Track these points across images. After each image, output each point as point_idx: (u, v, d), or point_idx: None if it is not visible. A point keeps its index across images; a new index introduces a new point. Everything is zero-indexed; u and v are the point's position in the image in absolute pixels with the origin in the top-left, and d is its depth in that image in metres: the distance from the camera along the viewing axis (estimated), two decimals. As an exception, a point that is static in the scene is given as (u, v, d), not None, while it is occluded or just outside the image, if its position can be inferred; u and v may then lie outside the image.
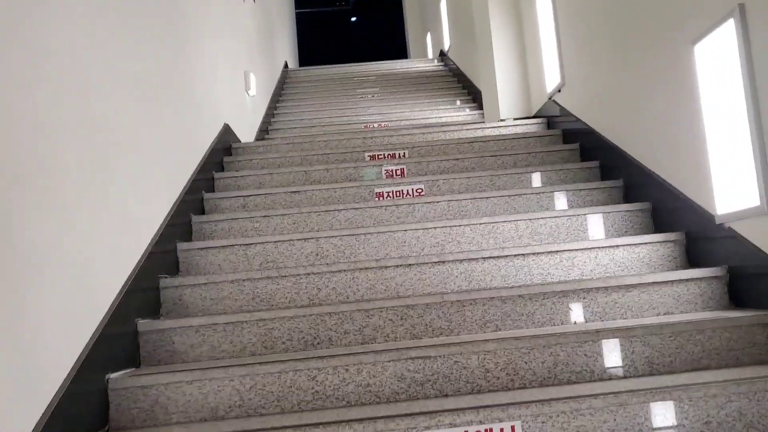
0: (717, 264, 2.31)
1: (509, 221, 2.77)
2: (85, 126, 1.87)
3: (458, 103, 6.56)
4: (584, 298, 2.22)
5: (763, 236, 2.05)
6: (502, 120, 4.49)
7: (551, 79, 3.98)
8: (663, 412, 1.62)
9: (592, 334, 1.91)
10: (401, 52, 12.44)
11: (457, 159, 3.56)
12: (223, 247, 2.71)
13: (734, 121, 2.10)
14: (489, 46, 4.60)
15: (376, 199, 3.25)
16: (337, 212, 2.99)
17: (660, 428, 1.62)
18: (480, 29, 4.83)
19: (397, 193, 3.27)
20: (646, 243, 2.51)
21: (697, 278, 2.27)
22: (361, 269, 2.45)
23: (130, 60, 2.33)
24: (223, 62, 4.08)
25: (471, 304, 2.20)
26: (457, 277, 2.46)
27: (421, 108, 6.46)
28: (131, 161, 2.24)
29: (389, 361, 1.88)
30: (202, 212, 3.20)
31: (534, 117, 4.38)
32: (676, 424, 1.63)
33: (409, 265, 2.46)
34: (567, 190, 3.06)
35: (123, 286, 2.05)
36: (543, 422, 1.60)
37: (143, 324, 2.15)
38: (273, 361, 1.88)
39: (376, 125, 5.96)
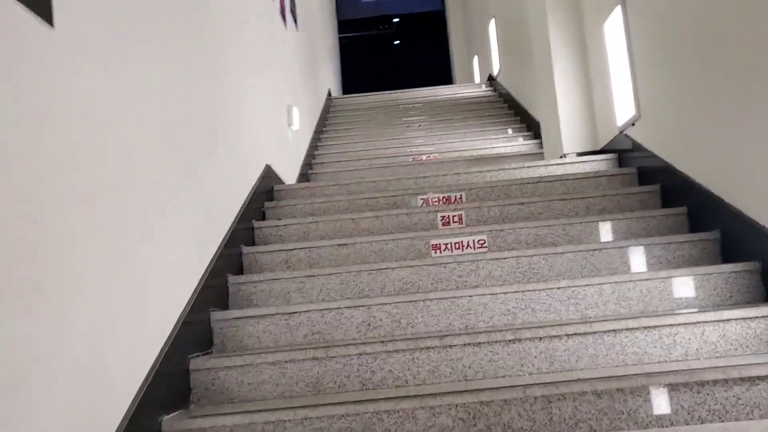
0: None
1: (592, 285, 2.38)
2: (99, 185, 1.57)
3: (510, 131, 6.18)
4: (698, 392, 1.81)
5: None
6: (564, 155, 4.10)
7: (623, 110, 3.58)
8: None
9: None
10: (446, 76, 12.12)
11: (521, 204, 3.18)
12: (262, 316, 2.38)
13: None
14: (550, 75, 4.23)
15: (433, 252, 2.90)
16: (390, 270, 2.65)
17: None
18: (539, 56, 4.47)
19: (456, 245, 2.91)
20: (764, 316, 2.09)
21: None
22: (421, 348, 2.09)
23: (155, 104, 2.04)
24: (264, 99, 3.80)
25: (559, 399, 1.81)
26: (536, 357, 2.08)
27: (471, 137, 6.10)
28: (157, 223, 1.94)
29: (464, 485, 1.51)
30: (241, 270, 2.89)
31: (601, 152, 3.98)
32: None
33: (479, 343, 2.09)
34: (654, 244, 2.66)
35: (144, 382, 1.73)
36: None
37: (169, 422, 1.83)
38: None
39: (425, 157, 5.62)
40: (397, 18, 12.77)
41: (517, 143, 5.72)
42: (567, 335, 2.08)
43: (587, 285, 2.37)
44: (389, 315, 2.37)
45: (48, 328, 1.30)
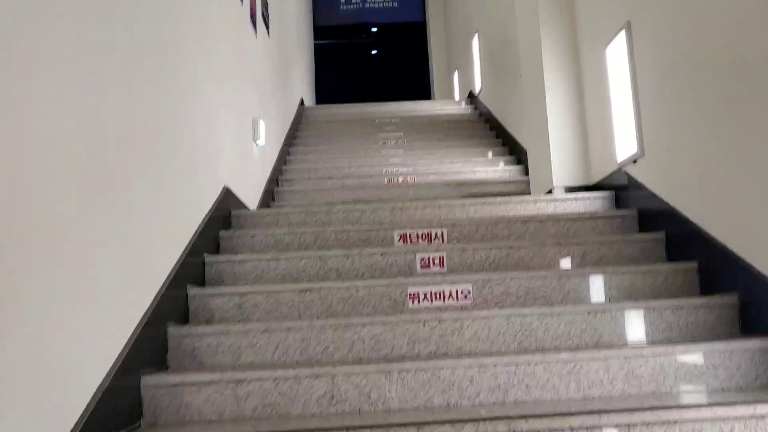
0: None
1: (597, 359, 2.02)
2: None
3: (490, 155, 5.85)
4: None
5: None
6: (554, 188, 3.76)
7: (624, 146, 3.25)
8: None
9: None
10: (424, 90, 11.79)
11: (510, 247, 2.83)
12: (205, 383, 1.98)
13: None
14: (540, 100, 3.90)
15: (411, 302, 2.52)
16: (361, 327, 2.26)
17: None
18: (529, 78, 4.14)
19: (437, 295, 2.54)
20: (806, 412, 1.76)
21: None
22: (395, 439, 1.71)
23: (81, 119, 1.63)
24: (227, 111, 3.39)
25: None
26: (533, 456, 1.71)
27: (451, 159, 5.76)
28: (74, 269, 1.53)
29: None
30: (186, 316, 2.48)
31: (596, 188, 3.65)
32: None
33: (465, 434, 1.71)
34: (664, 308, 2.32)
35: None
36: None
37: None
38: None
39: (401, 179, 5.26)
40: (375, 27, 12.41)
41: (498, 168, 5.39)
42: (571, 429, 1.72)
43: (592, 359, 2.02)
44: (357, 387, 1.99)
45: None
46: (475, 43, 7.41)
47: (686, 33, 2.63)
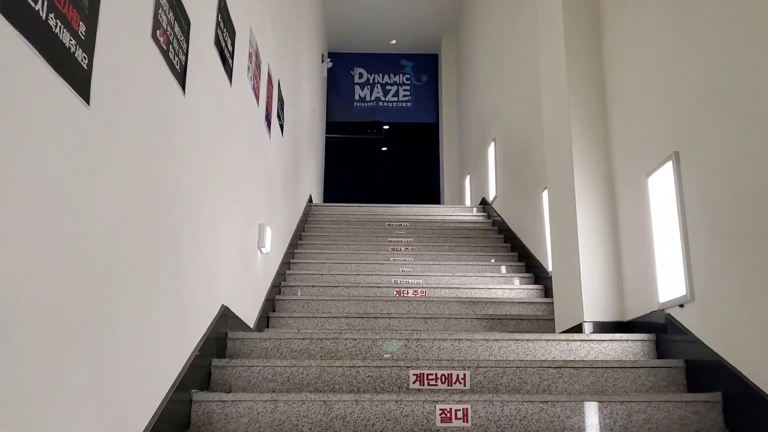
0: None
1: None
2: None
3: (504, 270, 5.53)
4: None
5: None
6: (584, 322, 3.41)
7: (668, 286, 2.93)
8: None
9: None
10: (434, 191, 11.64)
11: (545, 402, 2.45)
12: None
13: None
14: (570, 226, 3.61)
15: (430, 470, 2.13)
16: (372, 507, 1.87)
17: None
18: (559, 203, 3.87)
19: (462, 462, 2.15)
20: None
21: None
22: None
23: (51, 226, 1.31)
24: (234, 220, 3.11)
25: None
26: None
27: (464, 271, 5.44)
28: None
29: None
30: (162, 475, 2.08)
31: (629, 327, 3.30)
32: None
33: None
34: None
35: None
36: None
37: None
38: None
39: (411, 292, 4.92)
40: (387, 125, 12.42)
41: (515, 286, 5.06)
42: None
43: None
44: None
45: None
46: (491, 150, 7.26)
47: (743, 168, 2.36)
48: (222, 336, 2.94)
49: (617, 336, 3.11)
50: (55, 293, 1.36)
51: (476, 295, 4.92)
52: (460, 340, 3.07)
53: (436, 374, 2.71)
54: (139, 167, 1.85)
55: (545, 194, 4.89)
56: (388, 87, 11.29)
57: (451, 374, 2.71)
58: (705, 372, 2.64)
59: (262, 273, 4.08)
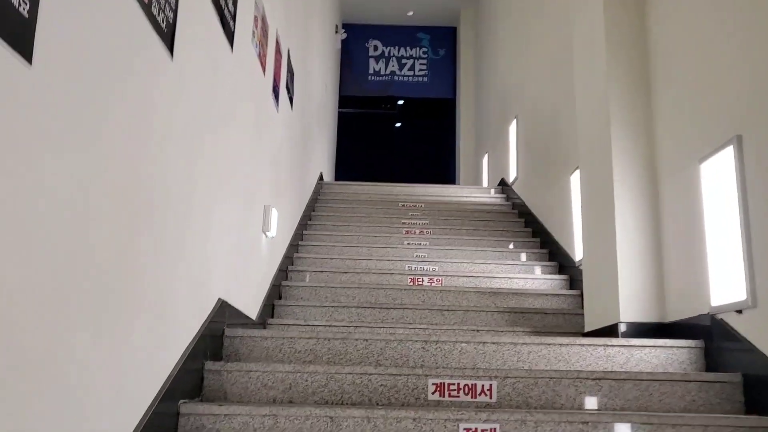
0: None
1: None
2: None
3: (524, 257, 5.18)
4: None
5: None
6: (619, 323, 3.07)
7: (723, 289, 2.58)
8: None
9: None
10: (449, 170, 11.27)
11: (585, 423, 2.12)
12: None
13: None
14: (607, 219, 3.25)
15: (454, 507, 1.81)
16: None
17: None
18: (593, 190, 3.50)
19: (490, 497, 1.83)
20: None
21: None
22: None
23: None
24: (234, 203, 2.78)
25: None
26: None
27: (482, 257, 5.11)
28: None
29: None
30: (139, 508, 1.78)
31: (673, 330, 2.96)
32: None
33: None
34: None
35: None
36: None
37: None
38: None
39: (427, 280, 4.60)
40: (402, 100, 12.00)
41: (537, 275, 4.72)
42: None
43: None
44: None
45: None
46: (513, 128, 6.87)
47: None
48: (218, 334, 2.63)
49: (660, 342, 2.77)
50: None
51: (496, 285, 4.59)
52: (484, 343, 2.74)
53: (458, 384, 2.38)
54: (108, 143, 1.51)
55: (574, 178, 4.52)
56: (404, 60, 10.85)
57: (476, 384, 2.39)
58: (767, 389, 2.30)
59: (267, 258, 3.76)
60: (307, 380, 2.38)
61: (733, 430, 2.13)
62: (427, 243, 5.42)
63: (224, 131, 2.62)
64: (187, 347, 2.22)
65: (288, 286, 4.24)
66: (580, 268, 4.40)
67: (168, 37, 1.89)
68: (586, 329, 3.55)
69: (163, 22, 1.84)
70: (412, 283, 4.55)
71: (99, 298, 1.48)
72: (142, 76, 1.71)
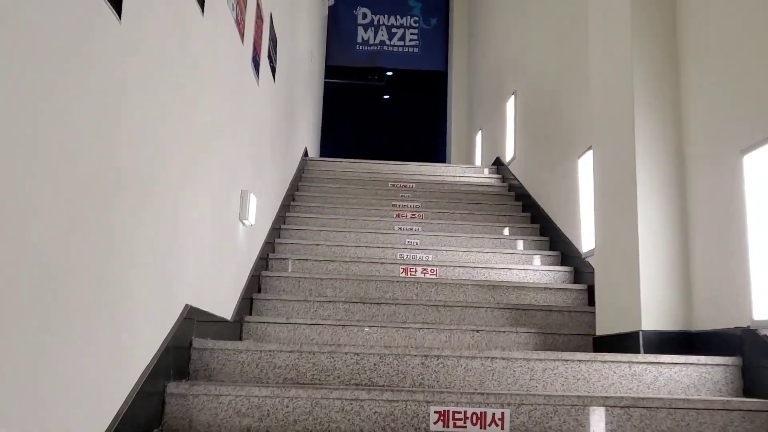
0: None
1: None
2: None
3: (521, 245, 4.83)
4: None
5: None
6: (641, 331, 2.74)
7: (764, 297, 2.24)
8: None
9: None
10: (438, 144, 10.87)
11: (619, 466, 1.79)
12: None
13: None
14: (628, 217, 2.90)
15: None
16: None
17: None
18: (610, 181, 3.14)
19: None
20: None
21: None
22: None
23: None
24: (204, 190, 2.38)
25: None
26: None
27: (479, 245, 4.76)
28: None
29: None
30: None
31: (698, 342, 2.62)
32: None
33: None
34: None
35: None
36: None
37: None
38: None
39: (420, 270, 4.24)
40: (390, 71, 11.53)
41: (538, 266, 4.38)
42: None
43: None
44: None
45: None
46: (510, 105, 6.47)
47: None
48: (185, 345, 2.25)
49: (693, 359, 2.43)
50: None
51: (495, 276, 4.24)
52: (493, 358, 2.38)
53: (465, 412, 2.03)
54: (42, 124, 1.11)
55: (583, 161, 4.16)
56: (393, 30, 10.35)
57: (485, 413, 2.04)
58: (823, 422, 1.98)
59: (245, 249, 3.38)
60: (288, 406, 2.02)
61: (793, 478, 1.80)
62: (420, 228, 5.05)
63: (193, 108, 2.21)
64: (148, 366, 1.85)
65: (269, 276, 3.87)
66: (587, 259, 4.07)
67: (113, -9, 1.47)
68: (599, 332, 3.22)
69: (105, -29, 1.43)
70: (404, 274, 4.19)
71: (28, 304, 1.10)
72: (79, 43, 1.31)
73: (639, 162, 2.88)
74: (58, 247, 1.27)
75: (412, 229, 5.02)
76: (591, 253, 3.93)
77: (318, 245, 4.49)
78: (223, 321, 2.82)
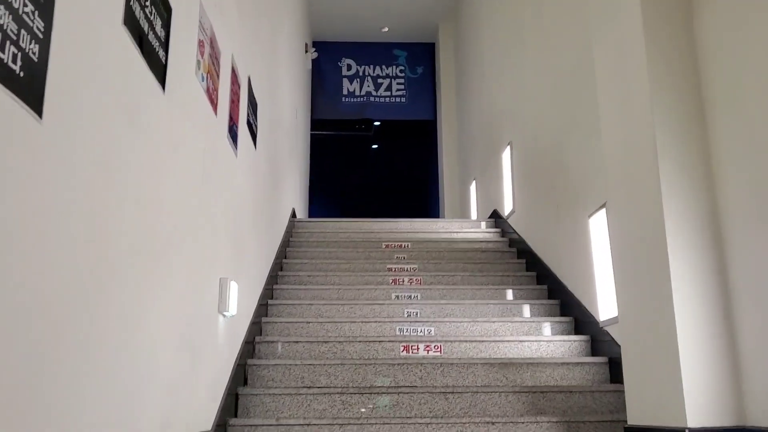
0: None
1: None
2: None
3: (528, 311, 4.46)
4: None
5: None
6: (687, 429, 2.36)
7: None
8: None
9: None
10: (431, 196, 10.56)
11: None
12: None
13: None
14: (664, 298, 2.54)
15: None
16: None
17: None
18: (635, 249, 2.79)
19: None
20: None
21: None
22: None
23: None
24: (174, 290, 2.01)
25: None
26: None
27: (485, 315, 4.40)
28: None
29: None
30: None
31: (762, 439, 2.25)
32: None
33: None
34: None
35: None
36: None
37: None
38: None
39: (422, 348, 3.86)
40: (378, 122, 11.29)
41: (552, 338, 4.01)
42: None
43: None
44: None
45: None
46: (506, 156, 6.17)
47: None
48: (150, 490, 1.85)
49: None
50: None
51: (505, 350, 3.86)
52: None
53: None
54: None
55: (595, 220, 3.82)
56: (380, 80, 10.12)
57: None
58: None
59: (226, 342, 2.99)
60: None
61: None
62: (419, 295, 4.68)
63: (154, 195, 1.86)
64: None
65: (255, 365, 3.47)
66: (605, 328, 3.70)
67: (26, 84, 1.13)
68: (630, 421, 2.83)
69: (14, 61, 1.08)
70: (405, 352, 3.80)
71: None
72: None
73: (669, 227, 2.53)
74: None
75: (410, 297, 4.66)
76: (611, 321, 3.57)
77: (309, 323, 4.10)
78: (200, 437, 2.42)
